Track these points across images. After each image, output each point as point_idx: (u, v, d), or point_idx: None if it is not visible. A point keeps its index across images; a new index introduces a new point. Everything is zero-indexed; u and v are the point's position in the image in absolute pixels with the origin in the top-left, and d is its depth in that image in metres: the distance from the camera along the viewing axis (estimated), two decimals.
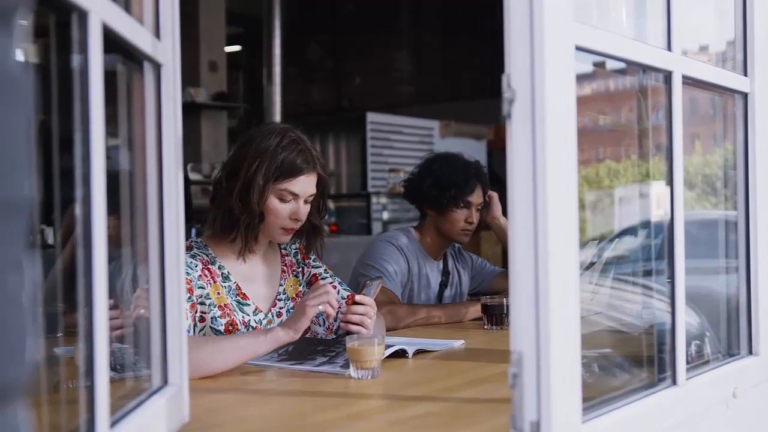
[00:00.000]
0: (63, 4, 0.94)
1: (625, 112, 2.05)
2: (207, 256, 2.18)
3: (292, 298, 2.32)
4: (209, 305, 2.11)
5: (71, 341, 1.30)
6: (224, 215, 2.17)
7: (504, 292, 2.93)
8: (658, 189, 1.84)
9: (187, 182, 4.87)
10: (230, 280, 2.19)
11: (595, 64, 1.42)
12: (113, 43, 1.09)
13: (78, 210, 0.99)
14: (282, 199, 2.16)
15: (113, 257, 1.07)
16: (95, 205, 0.99)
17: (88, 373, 0.99)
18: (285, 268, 2.34)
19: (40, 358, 1.25)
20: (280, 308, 2.28)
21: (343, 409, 1.61)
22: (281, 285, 2.31)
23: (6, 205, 0.54)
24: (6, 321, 0.54)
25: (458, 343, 2.31)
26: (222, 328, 2.12)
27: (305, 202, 2.19)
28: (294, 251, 2.38)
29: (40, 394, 1.09)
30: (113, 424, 1.06)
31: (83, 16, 0.98)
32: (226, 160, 2.25)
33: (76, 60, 1.00)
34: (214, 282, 2.15)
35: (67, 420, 1.13)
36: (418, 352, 2.13)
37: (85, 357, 0.98)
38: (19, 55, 0.57)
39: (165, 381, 1.34)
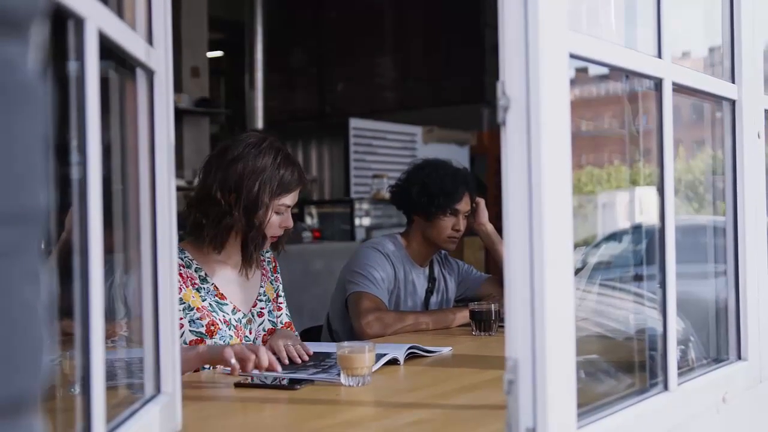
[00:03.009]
0: (59, 11, 0.94)
1: (608, 118, 2.06)
2: (182, 259, 2.23)
3: (272, 300, 2.41)
4: (184, 309, 2.16)
5: (59, 349, 1.29)
6: (224, 231, 2.22)
7: (490, 297, 2.94)
8: (641, 194, 1.85)
9: None
10: (208, 282, 2.25)
11: (578, 70, 1.42)
12: (106, 49, 1.09)
13: (75, 217, 0.98)
14: (278, 213, 2.26)
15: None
16: (91, 212, 0.98)
17: (85, 382, 0.98)
18: (264, 271, 2.43)
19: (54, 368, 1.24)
20: (261, 308, 2.37)
21: (337, 416, 1.60)
22: (262, 287, 2.39)
23: (22, 215, 0.53)
24: (23, 331, 0.54)
25: (446, 350, 2.32)
26: (203, 329, 2.18)
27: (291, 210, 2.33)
28: (267, 260, 2.46)
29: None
30: None
31: (79, 23, 0.97)
32: (213, 173, 2.24)
33: (71, 66, 0.99)
34: (188, 287, 2.20)
35: (62, 429, 1.12)
36: (410, 357, 2.13)
37: (82, 365, 0.97)
38: (34, 64, 0.56)
39: (158, 390, 1.33)
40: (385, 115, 8.57)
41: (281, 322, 2.42)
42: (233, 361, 1.87)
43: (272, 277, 2.45)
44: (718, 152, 1.87)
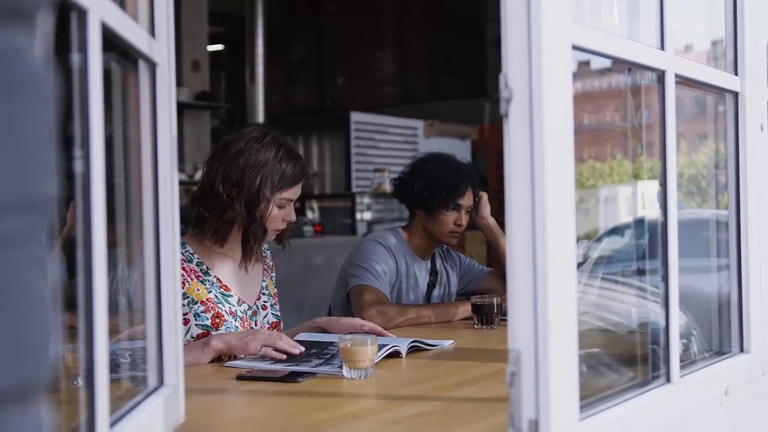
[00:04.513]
0: (62, 3, 0.94)
1: (610, 112, 2.06)
2: (183, 254, 2.24)
3: (273, 295, 2.44)
4: (188, 303, 2.17)
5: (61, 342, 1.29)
6: (226, 224, 2.24)
7: (492, 291, 2.94)
8: (644, 188, 1.85)
9: None
10: (210, 275, 2.26)
11: (579, 63, 1.42)
12: (108, 41, 1.08)
13: (78, 210, 0.98)
14: (280, 207, 2.27)
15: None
16: (95, 206, 0.98)
17: (89, 375, 0.98)
18: (265, 266, 2.45)
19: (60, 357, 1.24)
20: (264, 302, 2.39)
21: (339, 409, 1.60)
22: (264, 281, 2.42)
23: (30, 204, 0.53)
24: (31, 320, 0.54)
25: (448, 343, 2.32)
26: (209, 322, 2.19)
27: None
28: (268, 256, 2.49)
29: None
30: (112, 424, 1.06)
31: (82, 14, 0.97)
32: (216, 167, 2.25)
33: (74, 58, 0.99)
34: (192, 279, 2.22)
35: (64, 420, 1.12)
36: (412, 351, 2.13)
37: (85, 358, 0.97)
38: (41, 54, 0.56)
39: (161, 381, 1.34)
40: (386, 109, 8.57)
41: (267, 323, 2.43)
42: (262, 351, 2.01)
43: (271, 274, 2.48)
44: (721, 145, 1.87)
